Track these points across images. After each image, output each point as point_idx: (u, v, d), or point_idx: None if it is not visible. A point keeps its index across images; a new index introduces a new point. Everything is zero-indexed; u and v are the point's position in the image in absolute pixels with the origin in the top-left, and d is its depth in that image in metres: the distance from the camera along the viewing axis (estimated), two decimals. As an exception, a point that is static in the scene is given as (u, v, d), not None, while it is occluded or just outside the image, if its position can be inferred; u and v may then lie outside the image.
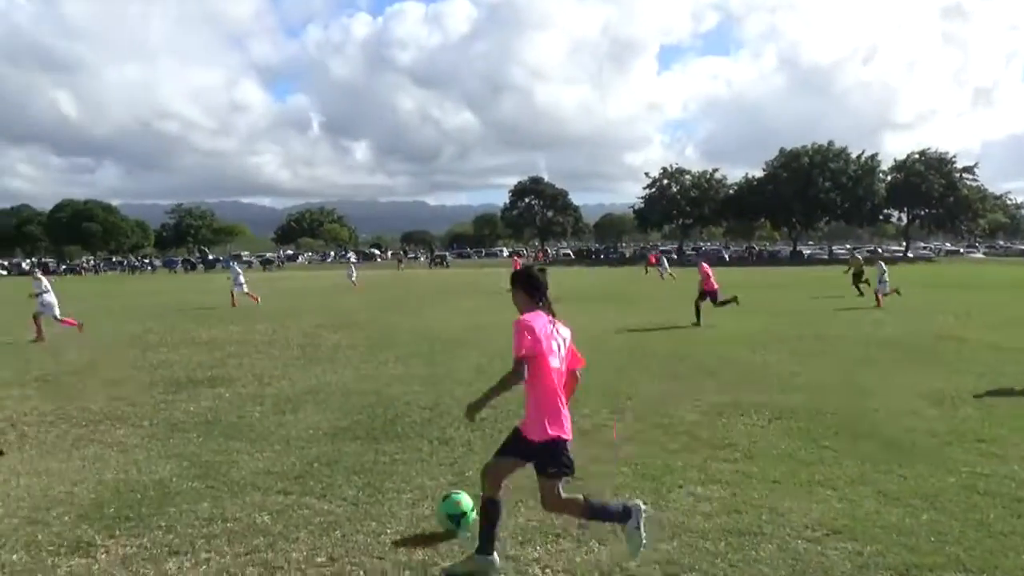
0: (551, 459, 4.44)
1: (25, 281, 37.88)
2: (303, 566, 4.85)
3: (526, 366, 4.29)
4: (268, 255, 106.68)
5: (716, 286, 19.17)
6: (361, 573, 4.76)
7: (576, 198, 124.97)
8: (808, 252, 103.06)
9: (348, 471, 6.77)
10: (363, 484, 6.41)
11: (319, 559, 4.96)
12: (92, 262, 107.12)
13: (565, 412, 4.48)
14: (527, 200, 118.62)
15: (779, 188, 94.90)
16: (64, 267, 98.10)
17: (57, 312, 18.11)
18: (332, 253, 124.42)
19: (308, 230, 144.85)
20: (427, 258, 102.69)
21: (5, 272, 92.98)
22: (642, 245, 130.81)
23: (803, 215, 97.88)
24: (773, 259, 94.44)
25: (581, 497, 4.64)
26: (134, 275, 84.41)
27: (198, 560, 4.96)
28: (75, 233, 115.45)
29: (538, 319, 4.43)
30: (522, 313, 4.52)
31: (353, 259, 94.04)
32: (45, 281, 18.33)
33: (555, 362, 4.44)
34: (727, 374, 11.39)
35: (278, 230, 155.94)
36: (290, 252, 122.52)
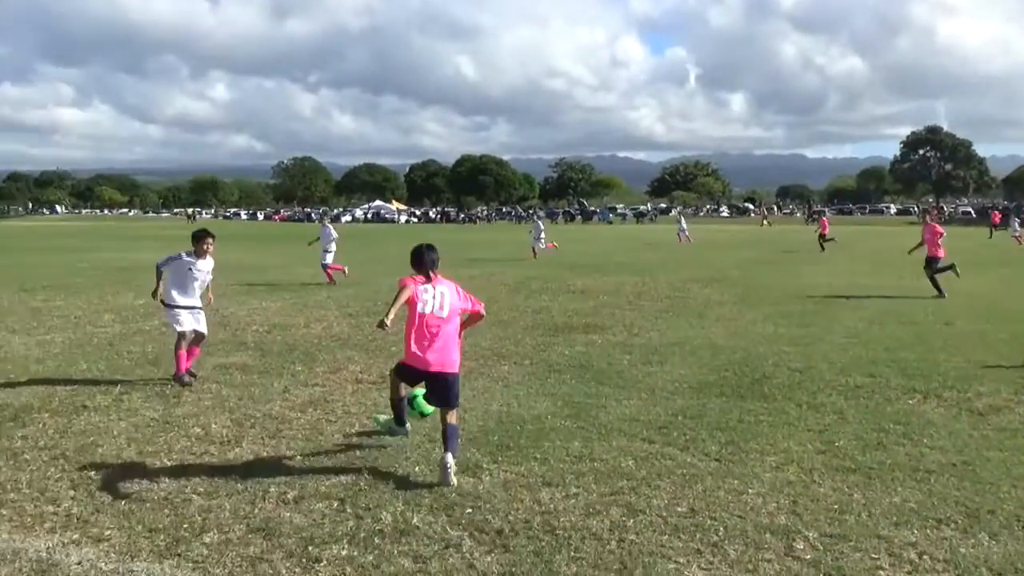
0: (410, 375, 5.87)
1: (434, 228, 42.76)
2: (664, 513, 4.95)
3: (402, 285, 5.71)
4: (641, 208, 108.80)
5: None
6: (721, 529, 4.73)
7: (981, 149, 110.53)
8: None
9: (711, 426, 6.75)
10: (726, 441, 6.36)
11: (679, 508, 5.02)
12: (485, 212, 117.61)
13: (422, 348, 5.69)
14: (922, 152, 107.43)
15: None
16: (463, 215, 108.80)
17: (328, 260, 19.07)
18: (705, 207, 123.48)
19: (682, 183, 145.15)
20: (804, 213, 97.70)
21: (416, 219, 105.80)
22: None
23: None
24: None
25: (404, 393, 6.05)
26: (519, 224, 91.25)
27: (568, 494, 5.28)
28: (472, 185, 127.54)
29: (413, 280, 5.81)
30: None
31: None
32: (333, 232, 19.44)
33: (424, 308, 5.72)
34: None
35: (652, 183, 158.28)
36: (663, 205, 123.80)
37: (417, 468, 5.76)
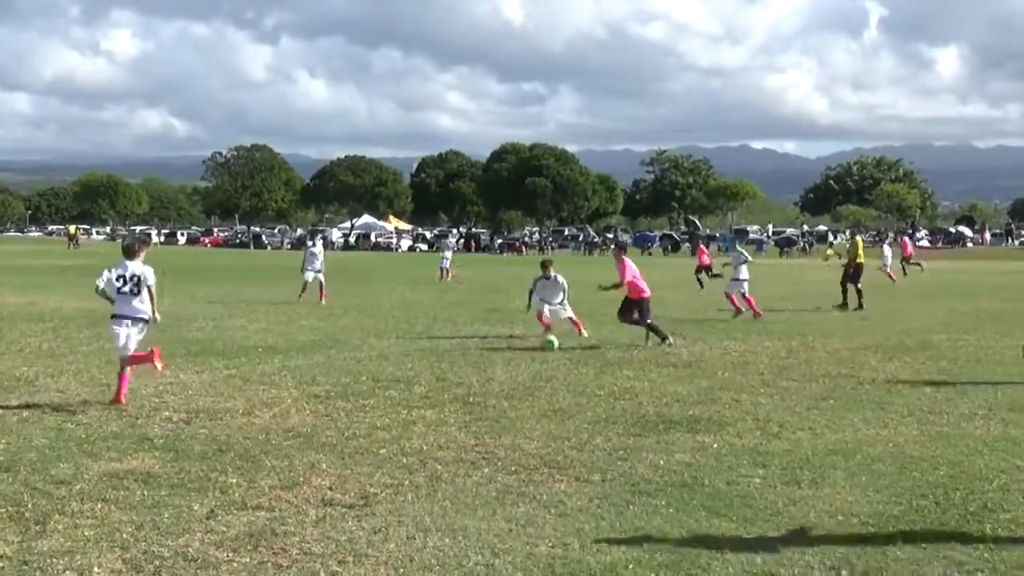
0: None
1: (455, 260, 43.25)
2: None
3: None
4: (788, 231, 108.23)
5: None
6: None
7: None
8: None
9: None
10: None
11: None
12: (536, 235, 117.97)
13: None
14: None
15: None
16: (501, 241, 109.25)
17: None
18: (889, 231, 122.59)
19: (855, 192, 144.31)
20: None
21: (426, 246, 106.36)
22: None
23: None
24: None
25: None
26: (590, 256, 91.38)
27: None
28: (516, 192, 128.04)
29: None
30: None
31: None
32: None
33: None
34: None
35: (806, 192, 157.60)
36: (823, 229, 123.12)
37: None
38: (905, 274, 41.02)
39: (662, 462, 10.04)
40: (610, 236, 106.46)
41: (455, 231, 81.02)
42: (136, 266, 11.24)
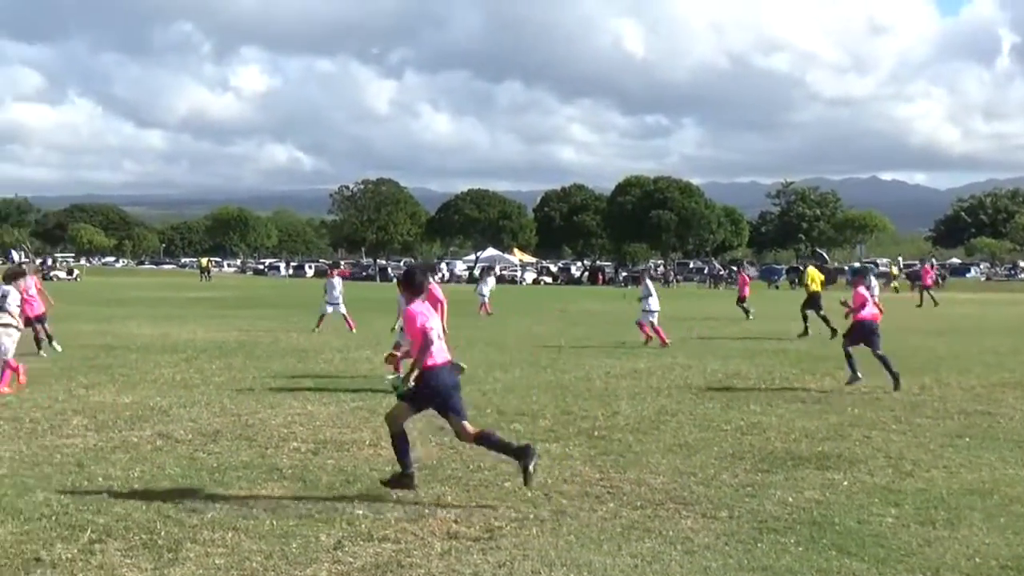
0: None
1: (582, 293, 43.09)
2: None
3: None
4: (918, 262, 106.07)
5: None
6: None
7: None
8: None
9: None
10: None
11: None
12: (661, 267, 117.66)
13: None
14: None
15: None
16: (625, 274, 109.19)
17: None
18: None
19: (988, 225, 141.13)
20: None
21: (550, 279, 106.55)
22: None
23: None
24: None
25: None
26: (714, 289, 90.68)
27: None
28: (641, 225, 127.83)
29: None
30: None
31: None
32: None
33: None
34: None
35: (938, 223, 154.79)
36: (955, 261, 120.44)
37: None
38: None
39: (791, 499, 9.91)
40: (735, 268, 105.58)
41: (494, 269, 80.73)
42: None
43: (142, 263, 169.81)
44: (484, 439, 10.06)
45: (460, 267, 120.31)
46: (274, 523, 8.86)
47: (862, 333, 18.46)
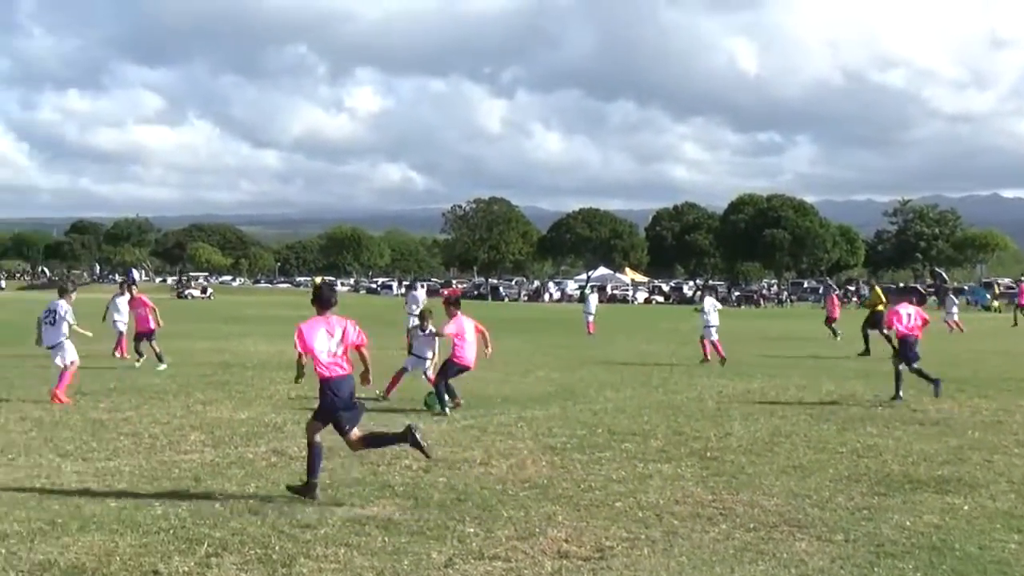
0: None
1: (692, 312, 43.01)
2: None
3: None
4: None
5: None
6: None
7: None
8: None
9: None
10: None
11: None
12: (775, 287, 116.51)
13: None
14: None
15: None
16: (738, 293, 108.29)
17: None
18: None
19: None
20: None
21: (662, 297, 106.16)
22: None
23: None
24: None
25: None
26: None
27: None
28: (754, 244, 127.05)
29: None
30: None
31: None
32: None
33: None
34: None
35: None
36: None
37: None
38: None
39: (908, 523, 9.73)
40: (851, 288, 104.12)
41: (593, 286, 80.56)
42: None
43: (258, 282, 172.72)
44: (369, 441, 10.97)
45: (571, 286, 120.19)
46: (386, 540, 8.94)
47: (903, 349, 19.26)
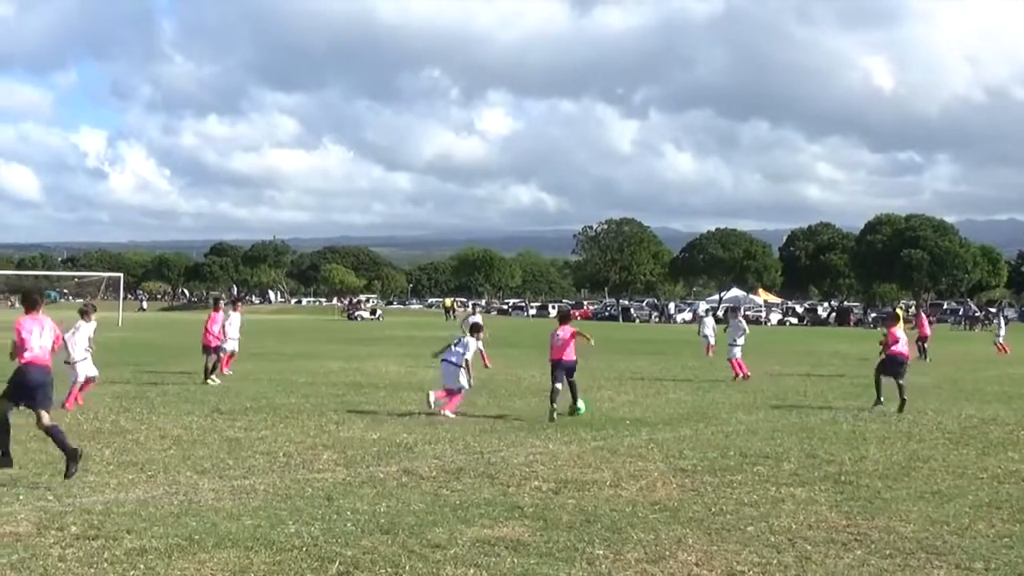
0: None
1: (829, 334, 42.20)
2: None
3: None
4: None
5: None
6: None
7: None
8: None
9: None
10: None
11: None
12: (912, 307, 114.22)
13: None
14: None
15: None
16: (874, 315, 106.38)
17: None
18: None
19: None
20: None
21: (796, 319, 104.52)
22: None
23: None
24: None
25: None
26: (969, 331, 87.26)
27: None
28: (891, 265, 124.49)
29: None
30: None
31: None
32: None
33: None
34: None
35: None
36: None
37: None
38: None
39: (1051, 552, 9.44)
40: (992, 311, 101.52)
41: (710, 309, 79.48)
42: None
43: (390, 303, 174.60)
44: (52, 432, 11.98)
45: (703, 307, 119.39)
46: (515, 561, 8.95)
47: (892, 365, 21.46)
